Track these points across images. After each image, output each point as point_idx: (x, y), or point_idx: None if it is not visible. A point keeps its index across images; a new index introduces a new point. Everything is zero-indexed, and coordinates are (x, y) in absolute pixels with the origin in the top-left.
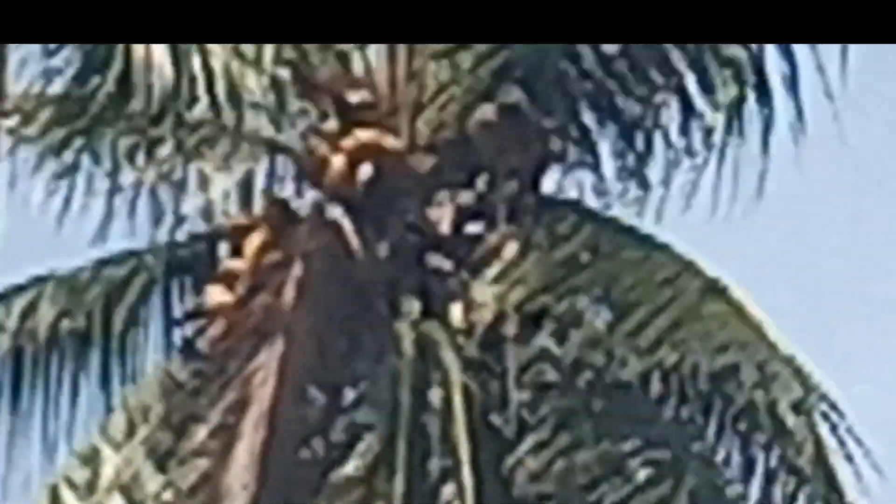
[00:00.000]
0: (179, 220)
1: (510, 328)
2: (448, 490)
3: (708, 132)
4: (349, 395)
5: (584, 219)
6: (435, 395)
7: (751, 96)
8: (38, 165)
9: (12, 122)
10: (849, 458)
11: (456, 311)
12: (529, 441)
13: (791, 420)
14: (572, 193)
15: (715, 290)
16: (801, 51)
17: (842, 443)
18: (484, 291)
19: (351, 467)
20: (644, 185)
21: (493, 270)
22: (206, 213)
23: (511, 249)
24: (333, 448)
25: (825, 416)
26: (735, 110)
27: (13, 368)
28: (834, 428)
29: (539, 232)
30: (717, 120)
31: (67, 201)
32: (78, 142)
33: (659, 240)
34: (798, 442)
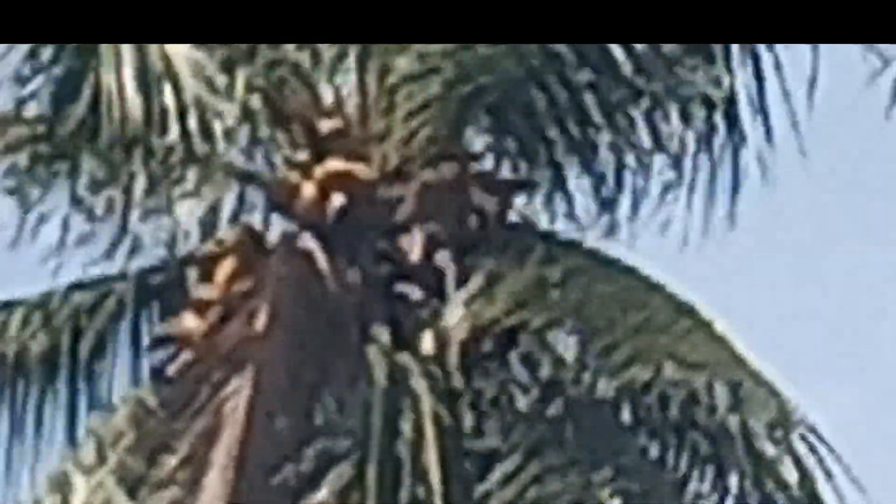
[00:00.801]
0: (148, 247)
1: (480, 354)
2: None
3: (677, 161)
4: (320, 423)
5: (553, 245)
6: (406, 424)
7: (721, 126)
8: (5, 188)
9: None
10: (828, 476)
11: (427, 340)
12: (500, 470)
13: (766, 441)
14: (543, 222)
15: (687, 311)
16: (770, 79)
17: (821, 463)
18: (454, 314)
19: (322, 495)
20: (612, 214)
21: (462, 294)
22: (176, 240)
23: (480, 276)
24: (304, 476)
25: (803, 437)
26: (705, 140)
27: None
28: (811, 448)
29: (508, 258)
30: (688, 149)
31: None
32: (44, 167)
33: (628, 264)
34: (773, 464)
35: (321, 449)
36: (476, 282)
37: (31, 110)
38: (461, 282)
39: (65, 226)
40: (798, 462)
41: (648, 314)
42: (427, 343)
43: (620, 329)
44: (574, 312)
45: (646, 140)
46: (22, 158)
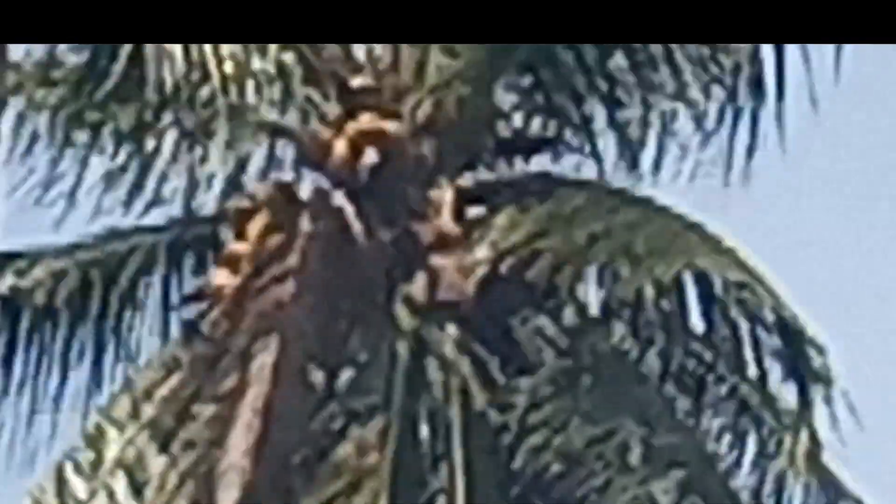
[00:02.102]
0: (179, 201)
1: (506, 304)
2: (441, 474)
3: (699, 121)
4: (346, 379)
5: (579, 187)
6: (430, 379)
7: (743, 85)
8: (44, 141)
9: (22, 99)
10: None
11: (451, 289)
12: (524, 421)
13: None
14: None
15: (714, 241)
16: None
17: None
18: (479, 253)
19: (345, 452)
20: (636, 168)
21: (490, 236)
22: (208, 195)
23: (505, 216)
24: (329, 433)
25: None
26: (728, 98)
27: (8, 336)
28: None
29: (531, 197)
30: (711, 109)
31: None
32: (82, 120)
33: (649, 196)
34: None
35: (346, 405)
36: (500, 222)
37: (69, 61)
38: (487, 227)
39: (97, 178)
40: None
41: (672, 236)
42: (450, 291)
43: (641, 249)
44: (596, 239)
45: (670, 97)
46: (61, 112)
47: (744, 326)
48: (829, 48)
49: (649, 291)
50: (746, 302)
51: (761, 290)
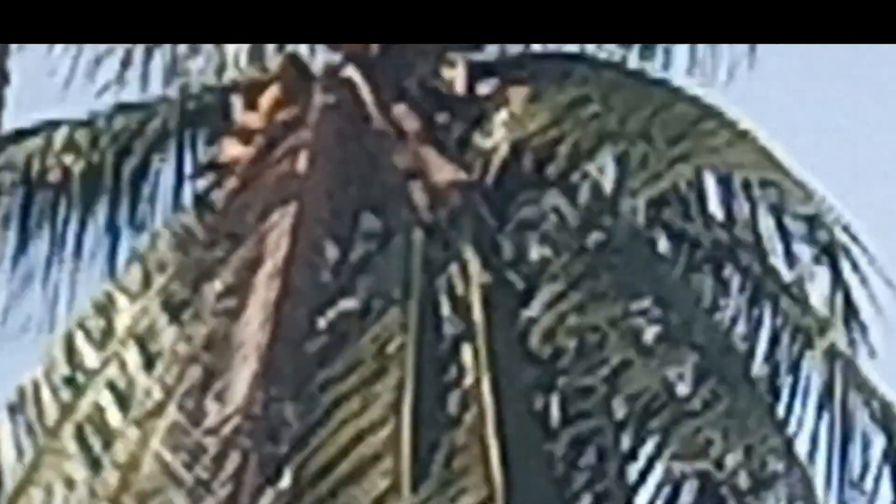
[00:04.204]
0: (195, 75)
1: (520, 181)
2: (463, 356)
3: None
4: (362, 257)
5: (592, 65)
6: (447, 257)
7: None
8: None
9: None
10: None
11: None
12: (540, 300)
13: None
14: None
15: (730, 124)
16: None
17: (856, 267)
18: (495, 135)
19: (366, 338)
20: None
21: (503, 115)
22: (220, 68)
23: (519, 95)
24: (345, 313)
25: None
26: None
27: (22, 207)
28: (846, 250)
29: (548, 79)
30: None
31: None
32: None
33: (673, 84)
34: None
35: (362, 284)
36: (516, 102)
37: None
38: (502, 105)
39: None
40: (833, 262)
41: (690, 125)
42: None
43: (661, 139)
44: (614, 127)
45: None
46: None
47: (765, 213)
48: None
49: (667, 182)
50: (769, 191)
51: (786, 183)
